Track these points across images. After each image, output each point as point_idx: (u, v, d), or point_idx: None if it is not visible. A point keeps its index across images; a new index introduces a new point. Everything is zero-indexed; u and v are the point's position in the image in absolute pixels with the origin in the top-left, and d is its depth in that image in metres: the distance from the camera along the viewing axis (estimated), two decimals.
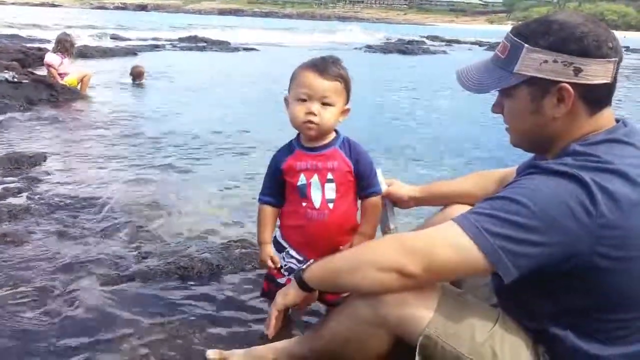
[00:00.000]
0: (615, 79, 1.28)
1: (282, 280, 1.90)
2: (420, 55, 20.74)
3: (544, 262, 1.22)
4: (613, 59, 1.25)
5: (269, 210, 1.92)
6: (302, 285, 1.52)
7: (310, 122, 1.74)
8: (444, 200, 1.97)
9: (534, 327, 1.37)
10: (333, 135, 1.84)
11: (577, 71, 1.25)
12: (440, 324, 1.33)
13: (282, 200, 1.90)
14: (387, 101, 8.75)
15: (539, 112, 1.32)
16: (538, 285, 1.31)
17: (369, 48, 22.14)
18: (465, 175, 2.03)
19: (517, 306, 1.40)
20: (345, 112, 1.81)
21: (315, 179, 1.80)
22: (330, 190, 1.80)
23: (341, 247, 1.82)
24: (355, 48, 22.37)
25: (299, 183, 1.81)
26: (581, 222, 1.17)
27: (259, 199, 1.93)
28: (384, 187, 1.99)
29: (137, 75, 9.08)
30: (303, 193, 1.81)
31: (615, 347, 1.29)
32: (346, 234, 1.86)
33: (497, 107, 1.43)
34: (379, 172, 2.00)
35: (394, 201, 2.05)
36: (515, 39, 1.32)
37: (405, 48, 22.05)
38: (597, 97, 1.29)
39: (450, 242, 1.26)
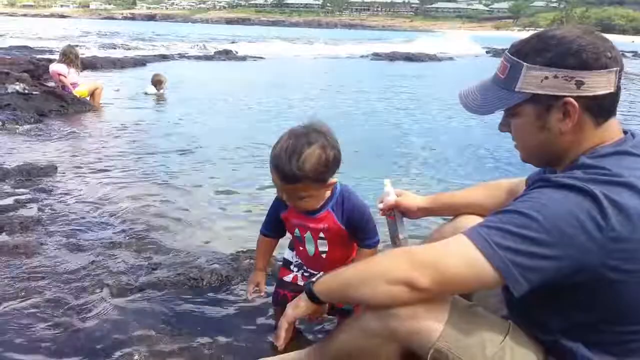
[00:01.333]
0: (618, 88, 1.29)
1: (287, 278, 1.97)
2: (427, 62, 20.73)
3: (554, 275, 1.21)
4: (614, 69, 1.26)
5: (266, 241, 2.00)
6: (312, 297, 1.53)
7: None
8: (452, 211, 1.96)
9: (545, 339, 1.37)
10: (328, 194, 1.79)
11: (579, 84, 1.25)
12: (451, 337, 1.33)
13: (280, 234, 1.99)
14: (391, 109, 8.75)
15: (546, 128, 1.33)
16: (549, 298, 1.30)
17: (376, 55, 22.18)
18: (474, 185, 2.03)
19: (528, 319, 1.39)
20: (329, 186, 1.75)
21: (308, 234, 1.86)
22: (323, 245, 1.86)
23: None
24: (362, 56, 22.44)
25: (295, 233, 1.90)
26: (592, 236, 1.16)
27: (260, 230, 2.01)
28: (393, 198, 2.00)
29: (155, 83, 9.21)
30: (299, 240, 1.90)
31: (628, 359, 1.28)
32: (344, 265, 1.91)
33: (504, 126, 1.44)
34: (388, 182, 2.02)
35: (403, 212, 2.05)
36: (514, 57, 1.33)
37: (412, 55, 22.03)
38: (602, 107, 1.30)
39: (460, 255, 1.26)
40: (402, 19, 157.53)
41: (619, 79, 1.28)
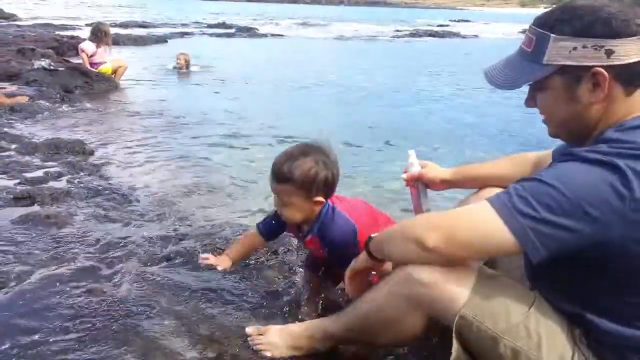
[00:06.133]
0: None
1: None
2: (451, 38, 20.41)
3: (574, 245, 1.20)
4: None
5: (254, 237, 2.06)
6: (369, 252, 1.58)
7: None
8: (476, 183, 1.95)
9: (569, 310, 1.36)
10: (315, 212, 1.84)
11: (609, 53, 1.22)
12: (476, 305, 1.34)
13: (273, 237, 2.09)
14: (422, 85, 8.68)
15: (575, 99, 1.30)
16: (571, 270, 1.30)
17: (398, 31, 21.91)
18: (499, 157, 2.01)
19: (551, 291, 1.39)
20: (314, 204, 1.80)
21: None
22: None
23: None
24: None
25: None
26: (614, 207, 1.15)
27: (257, 224, 2.06)
28: (416, 169, 1.99)
29: (180, 60, 9.47)
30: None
31: None
32: None
33: (531, 101, 1.42)
34: (412, 153, 2.02)
35: (426, 183, 2.05)
36: (540, 30, 1.30)
37: (435, 32, 21.71)
38: (634, 76, 1.27)
39: (477, 219, 1.27)
40: None
41: None
